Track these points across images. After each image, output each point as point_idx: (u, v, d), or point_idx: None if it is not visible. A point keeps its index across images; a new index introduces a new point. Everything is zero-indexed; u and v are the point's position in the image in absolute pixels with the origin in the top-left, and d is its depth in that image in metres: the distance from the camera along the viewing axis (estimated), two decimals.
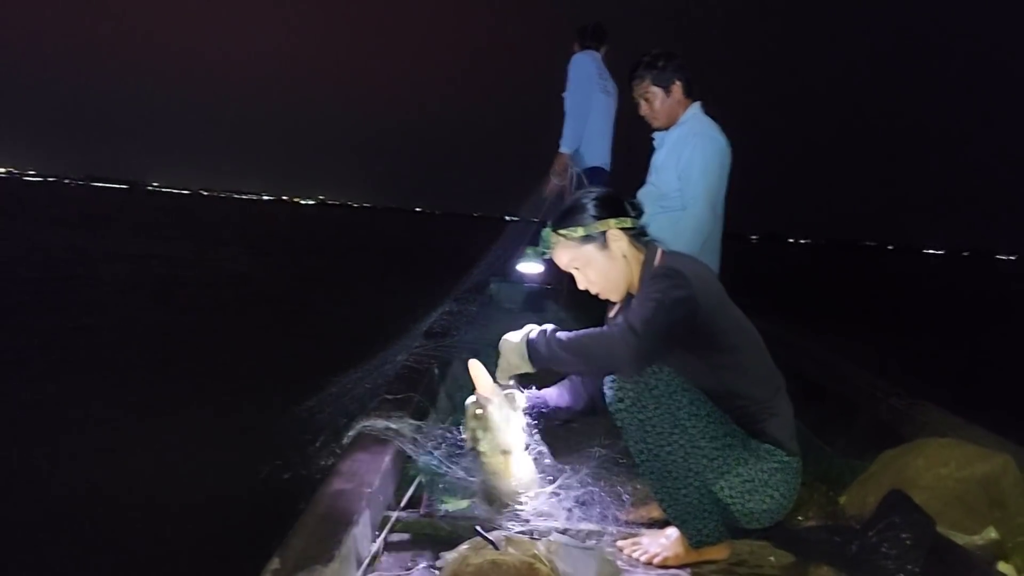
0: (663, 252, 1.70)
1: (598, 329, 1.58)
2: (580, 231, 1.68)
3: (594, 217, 1.68)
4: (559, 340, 1.58)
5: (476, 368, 1.79)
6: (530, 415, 1.85)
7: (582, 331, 1.58)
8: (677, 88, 2.65)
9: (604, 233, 1.68)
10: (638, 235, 1.74)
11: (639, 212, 1.74)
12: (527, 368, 1.65)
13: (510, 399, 1.80)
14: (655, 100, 2.68)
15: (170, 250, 16.12)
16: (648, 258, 1.69)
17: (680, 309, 1.52)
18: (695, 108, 2.70)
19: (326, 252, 20.95)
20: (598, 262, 1.70)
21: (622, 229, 1.69)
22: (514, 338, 1.67)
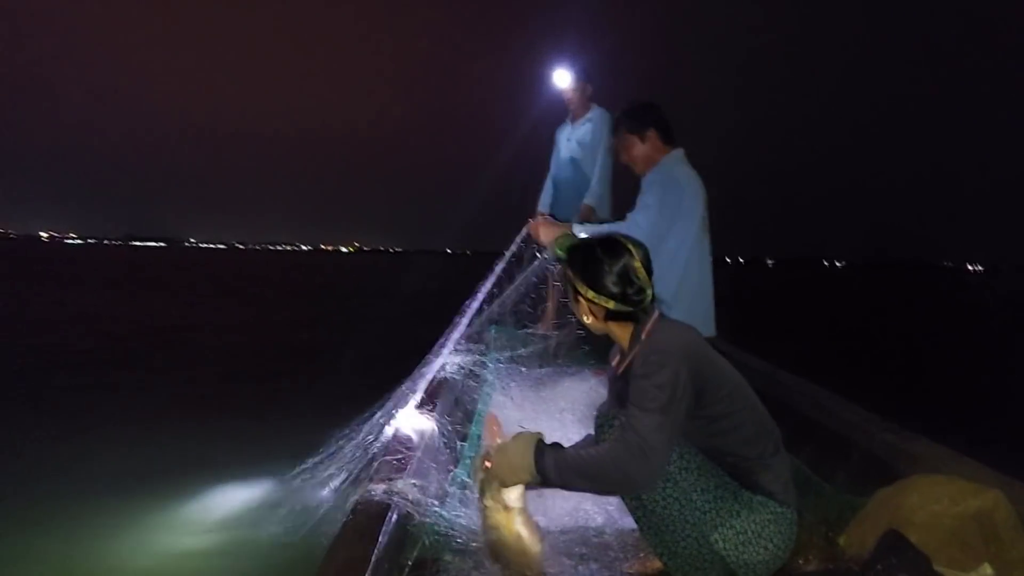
0: (653, 322, 1.70)
1: (606, 450, 1.54)
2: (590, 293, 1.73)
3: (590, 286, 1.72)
4: (570, 465, 1.55)
5: (492, 422, 1.83)
6: None
7: (590, 453, 1.56)
8: (652, 135, 2.75)
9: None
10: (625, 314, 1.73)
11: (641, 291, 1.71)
12: (529, 481, 1.64)
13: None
14: (632, 148, 2.78)
15: (220, 313, 15.78)
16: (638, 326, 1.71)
17: (681, 405, 1.53)
18: (672, 155, 2.76)
19: (371, 301, 20.50)
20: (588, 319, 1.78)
21: (605, 306, 1.71)
22: (518, 451, 1.63)
